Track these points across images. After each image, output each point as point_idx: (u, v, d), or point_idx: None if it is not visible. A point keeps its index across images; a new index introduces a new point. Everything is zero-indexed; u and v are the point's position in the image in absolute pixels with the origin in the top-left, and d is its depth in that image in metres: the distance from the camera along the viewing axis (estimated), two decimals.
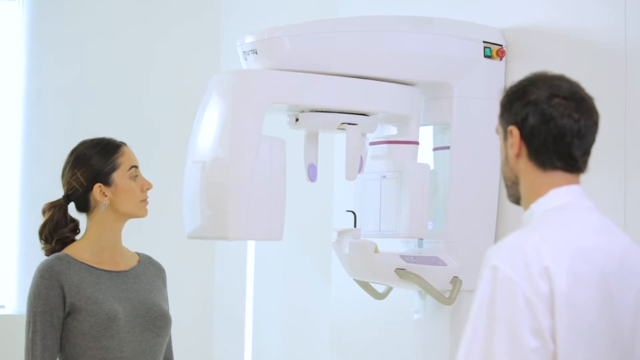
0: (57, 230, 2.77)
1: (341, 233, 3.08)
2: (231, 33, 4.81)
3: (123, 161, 2.77)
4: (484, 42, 3.06)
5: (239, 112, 2.82)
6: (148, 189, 2.79)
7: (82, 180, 2.75)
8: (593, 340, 1.95)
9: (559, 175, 2.05)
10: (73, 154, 2.79)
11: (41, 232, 2.78)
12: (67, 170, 2.78)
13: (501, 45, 3.08)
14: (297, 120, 2.99)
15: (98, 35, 4.92)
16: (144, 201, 2.78)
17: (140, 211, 2.78)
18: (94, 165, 2.75)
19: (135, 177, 2.78)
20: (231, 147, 2.80)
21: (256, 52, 2.93)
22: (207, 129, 2.84)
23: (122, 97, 4.93)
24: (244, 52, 2.98)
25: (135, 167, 2.79)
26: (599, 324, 1.96)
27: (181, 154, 4.89)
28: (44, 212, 2.79)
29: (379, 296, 3.22)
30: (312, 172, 3.11)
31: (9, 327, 4.66)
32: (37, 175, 4.84)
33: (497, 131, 2.14)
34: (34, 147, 4.87)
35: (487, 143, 3.04)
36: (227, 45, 4.90)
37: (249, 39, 2.96)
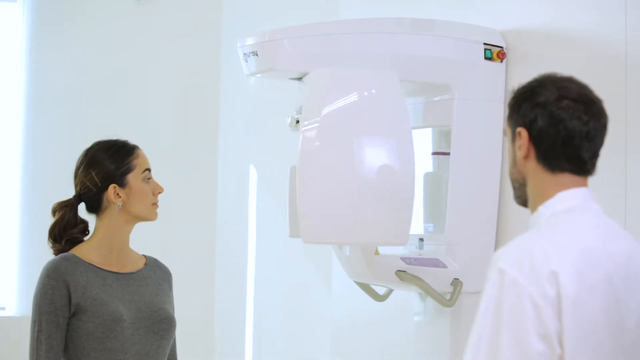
0: (67, 231, 2.78)
1: None
2: (232, 35, 4.81)
3: (138, 163, 2.78)
4: (485, 44, 3.06)
5: (405, 115, 2.82)
6: (159, 192, 2.80)
7: (96, 180, 2.75)
8: (599, 344, 1.95)
9: (567, 177, 2.05)
10: (88, 154, 2.80)
11: (51, 232, 2.78)
12: (81, 170, 2.78)
13: (502, 47, 3.08)
14: (297, 122, 3.00)
15: (98, 37, 4.92)
16: (155, 204, 2.79)
17: (151, 214, 2.79)
18: (110, 166, 2.76)
19: (148, 180, 2.78)
20: (409, 152, 2.81)
21: (257, 54, 2.93)
22: (361, 131, 2.81)
23: (123, 99, 4.93)
24: (244, 53, 2.99)
25: (149, 170, 2.80)
26: (604, 328, 1.96)
27: (182, 155, 4.92)
28: (54, 212, 2.79)
29: (380, 298, 3.22)
30: None
31: (10, 329, 4.66)
32: (38, 178, 4.84)
33: (505, 133, 2.13)
34: (34, 150, 4.87)
35: (488, 145, 3.04)
36: (227, 47, 4.90)
37: (249, 41, 2.96)
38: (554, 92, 2.04)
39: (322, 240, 2.87)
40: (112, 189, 2.75)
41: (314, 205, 2.78)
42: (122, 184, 2.76)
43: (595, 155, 2.05)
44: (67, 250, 2.76)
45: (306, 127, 2.81)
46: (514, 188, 2.12)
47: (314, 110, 2.82)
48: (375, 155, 2.79)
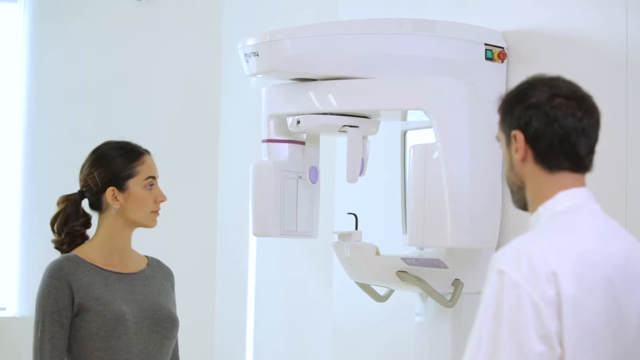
0: (67, 224, 2.79)
1: (342, 236, 3.08)
2: (233, 35, 4.81)
3: (142, 170, 2.77)
4: (485, 44, 3.06)
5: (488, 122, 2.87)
6: (162, 201, 2.79)
7: (97, 180, 2.76)
8: (599, 344, 1.95)
9: (566, 176, 2.05)
10: (95, 153, 2.81)
11: (52, 223, 2.80)
12: (85, 167, 2.80)
13: (502, 48, 3.08)
14: (298, 122, 3.00)
15: (99, 37, 4.92)
16: (155, 212, 2.79)
17: (149, 221, 2.78)
18: (112, 168, 2.76)
19: (150, 187, 2.78)
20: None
21: (257, 55, 2.93)
22: (481, 139, 2.88)
23: (123, 100, 4.93)
24: (245, 54, 2.99)
25: (153, 177, 2.78)
26: (604, 328, 1.96)
27: (183, 155, 4.92)
28: (58, 204, 2.81)
29: (381, 299, 3.21)
30: (313, 175, 3.12)
31: (11, 330, 4.67)
32: (39, 178, 4.84)
33: (497, 139, 2.13)
34: (35, 151, 4.87)
35: (489, 146, 3.04)
36: (228, 47, 4.90)
37: (250, 42, 2.96)
38: (545, 91, 2.04)
39: (467, 246, 2.90)
40: (110, 191, 2.75)
41: (462, 213, 2.82)
42: (121, 188, 2.75)
43: (591, 151, 2.06)
44: (67, 243, 2.78)
45: (451, 138, 2.84)
46: (512, 192, 2.12)
47: (454, 121, 2.86)
48: (488, 163, 2.89)
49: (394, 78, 2.92)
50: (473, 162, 2.85)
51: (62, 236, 2.79)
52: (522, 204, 2.11)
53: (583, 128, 2.03)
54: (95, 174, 2.76)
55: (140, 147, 2.82)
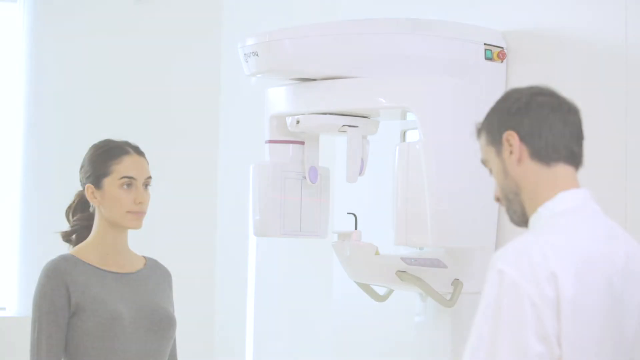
0: (74, 215, 2.83)
1: (342, 236, 3.08)
2: (233, 35, 4.81)
3: (117, 169, 2.75)
4: (485, 44, 3.06)
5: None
6: (140, 202, 2.74)
7: (81, 177, 2.80)
8: (598, 345, 1.95)
9: (563, 169, 2.05)
10: (89, 151, 2.83)
11: (67, 214, 2.85)
12: (81, 164, 2.83)
13: (502, 48, 3.08)
14: (298, 122, 3.00)
15: (99, 37, 4.92)
16: (131, 213, 2.74)
17: (125, 222, 2.75)
18: (91, 166, 2.78)
19: (127, 187, 2.76)
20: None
21: (257, 55, 2.94)
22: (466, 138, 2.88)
23: (123, 99, 4.93)
24: (245, 54, 2.99)
25: (129, 177, 2.75)
26: (604, 329, 1.96)
27: (182, 155, 4.92)
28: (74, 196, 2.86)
29: (380, 298, 3.22)
30: (312, 175, 3.12)
31: (10, 330, 4.66)
32: (39, 178, 4.83)
33: (483, 162, 2.12)
34: (35, 150, 4.87)
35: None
36: (228, 47, 4.90)
37: (250, 41, 2.97)
38: (525, 92, 2.06)
39: (451, 246, 2.90)
40: (88, 188, 2.77)
41: (444, 212, 2.81)
42: (98, 186, 2.76)
43: (580, 144, 2.07)
44: (73, 234, 2.82)
45: (434, 137, 2.83)
46: (509, 204, 2.08)
47: (437, 119, 2.86)
48: (474, 162, 2.88)
49: (383, 77, 2.92)
50: (460, 161, 2.83)
51: (71, 227, 2.83)
52: (520, 214, 2.08)
53: (573, 122, 2.05)
54: (81, 172, 2.80)
55: (124, 146, 2.79)
